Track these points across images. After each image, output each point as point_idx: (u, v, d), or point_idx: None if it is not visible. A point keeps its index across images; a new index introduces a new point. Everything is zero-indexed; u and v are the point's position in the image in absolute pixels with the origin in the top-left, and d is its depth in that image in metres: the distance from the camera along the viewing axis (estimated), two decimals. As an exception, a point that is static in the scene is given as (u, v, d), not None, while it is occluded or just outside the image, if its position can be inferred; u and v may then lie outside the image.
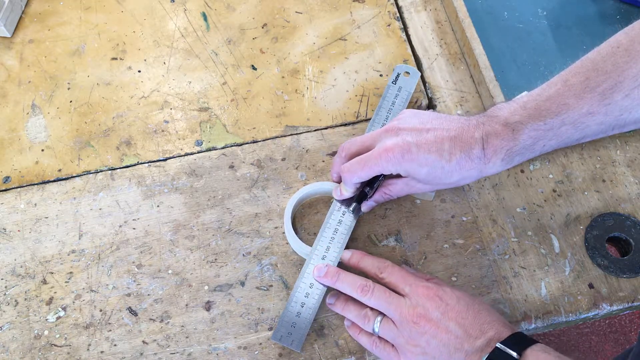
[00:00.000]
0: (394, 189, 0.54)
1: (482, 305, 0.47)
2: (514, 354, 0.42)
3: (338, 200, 0.56)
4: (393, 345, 0.49)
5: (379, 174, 0.52)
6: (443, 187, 0.52)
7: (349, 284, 0.51)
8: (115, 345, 0.53)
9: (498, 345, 0.43)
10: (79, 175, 0.61)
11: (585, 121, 0.45)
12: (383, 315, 0.49)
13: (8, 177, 0.61)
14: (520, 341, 0.43)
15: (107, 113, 0.65)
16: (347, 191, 0.54)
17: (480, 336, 0.44)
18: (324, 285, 0.53)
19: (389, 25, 0.70)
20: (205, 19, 0.71)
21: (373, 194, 0.55)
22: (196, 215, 0.58)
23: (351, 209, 0.55)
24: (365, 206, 0.55)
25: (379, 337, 0.49)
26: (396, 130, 0.50)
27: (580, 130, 0.46)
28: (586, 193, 0.59)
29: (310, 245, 0.55)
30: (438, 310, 0.46)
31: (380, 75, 0.66)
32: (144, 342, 0.53)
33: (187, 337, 0.53)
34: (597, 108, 0.45)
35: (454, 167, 0.48)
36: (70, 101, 0.65)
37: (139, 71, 0.67)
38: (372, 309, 0.50)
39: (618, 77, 0.44)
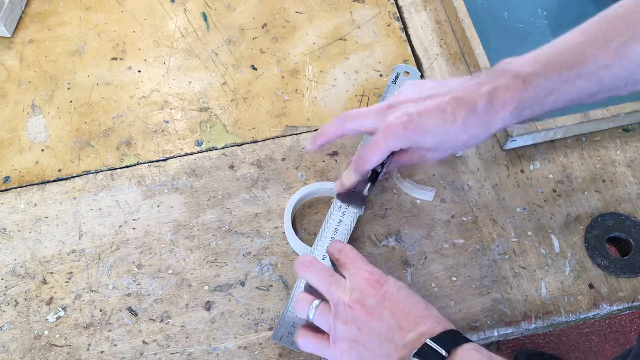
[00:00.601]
0: (404, 157, 0.53)
1: (421, 299, 0.46)
2: (442, 351, 0.41)
3: (340, 196, 0.56)
4: (325, 335, 0.47)
5: (390, 151, 0.50)
6: (452, 150, 0.51)
7: (297, 262, 0.49)
8: (115, 345, 0.53)
9: (427, 341, 0.41)
10: (79, 175, 0.61)
11: (601, 74, 0.44)
12: (321, 300, 0.47)
13: (8, 177, 0.61)
14: (451, 339, 0.42)
15: (107, 113, 0.65)
16: (350, 179, 0.53)
17: (413, 329, 0.43)
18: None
19: (389, 25, 0.70)
20: (205, 19, 0.71)
21: (384, 171, 0.54)
22: (196, 215, 0.58)
23: (366, 192, 0.54)
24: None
25: (310, 327, 0.48)
26: (397, 105, 0.49)
27: (595, 84, 0.45)
28: (586, 193, 0.59)
29: (310, 245, 0.55)
30: (375, 297, 0.45)
31: (380, 75, 0.66)
32: (144, 342, 0.53)
33: (187, 337, 0.53)
34: (613, 61, 0.44)
35: (460, 127, 0.46)
36: (70, 101, 0.65)
37: (139, 71, 0.67)
38: (311, 294, 0.48)
39: (636, 30, 0.43)
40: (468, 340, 0.42)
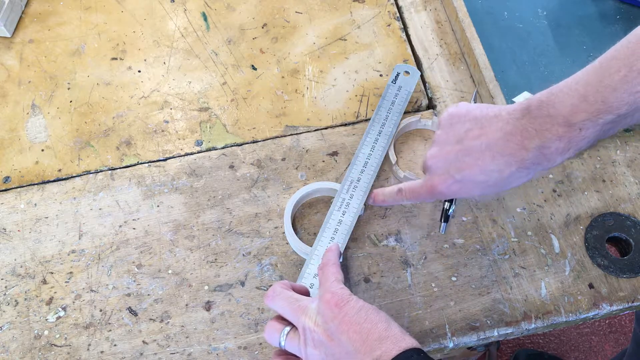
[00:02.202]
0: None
1: (382, 319, 0.45)
2: None
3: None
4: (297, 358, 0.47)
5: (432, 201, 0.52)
6: (507, 189, 0.49)
7: (269, 293, 0.49)
8: (115, 345, 0.53)
9: None
10: (79, 175, 0.61)
11: None
12: (291, 327, 0.47)
13: (8, 177, 0.61)
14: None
15: (107, 113, 0.65)
16: (387, 203, 0.56)
17: (368, 354, 0.42)
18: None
19: (389, 25, 0.70)
20: (205, 19, 0.71)
21: (453, 210, 0.56)
22: (196, 215, 0.58)
23: (442, 230, 0.55)
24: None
25: (284, 352, 0.48)
26: (436, 161, 0.49)
27: None
28: (586, 193, 0.59)
29: (310, 245, 0.55)
30: (334, 322, 0.44)
31: (380, 75, 0.66)
32: (144, 342, 0.53)
33: (187, 337, 0.53)
34: None
35: (507, 179, 0.45)
36: (70, 101, 0.65)
37: (139, 71, 0.67)
38: (281, 321, 0.48)
39: None
40: (428, 358, 0.42)
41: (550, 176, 0.60)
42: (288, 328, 0.47)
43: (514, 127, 0.44)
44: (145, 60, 0.68)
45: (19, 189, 0.60)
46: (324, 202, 0.59)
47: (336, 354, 0.44)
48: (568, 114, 0.41)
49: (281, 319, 0.48)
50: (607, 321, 1.35)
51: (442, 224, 0.55)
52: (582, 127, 0.41)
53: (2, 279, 0.56)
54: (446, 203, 0.55)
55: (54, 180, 0.61)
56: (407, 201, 0.53)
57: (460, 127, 0.48)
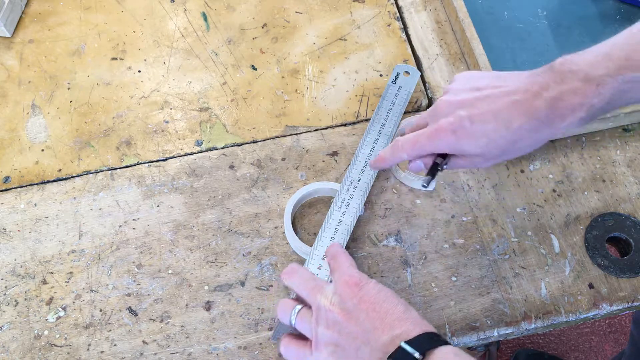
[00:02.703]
0: (456, 163, 0.49)
1: (401, 302, 0.44)
2: (416, 353, 0.39)
3: (373, 166, 0.54)
4: (308, 342, 0.46)
5: (432, 152, 0.48)
6: (512, 156, 0.47)
7: (283, 270, 0.49)
8: (115, 345, 0.53)
9: (401, 344, 0.40)
10: (79, 175, 0.61)
11: None
12: (303, 305, 0.47)
13: (8, 177, 0.61)
14: (427, 341, 0.41)
15: (107, 113, 0.65)
16: (387, 162, 0.51)
17: (387, 332, 0.42)
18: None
19: (389, 25, 0.70)
20: (205, 19, 0.71)
21: (444, 166, 0.50)
22: (196, 215, 0.58)
23: (424, 183, 0.50)
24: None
25: (294, 336, 0.47)
26: (448, 105, 0.46)
27: None
28: (586, 193, 0.59)
29: (310, 245, 0.55)
30: (352, 300, 0.44)
31: (380, 75, 0.66)
32: (144, 342, 0.53)
33: (187, 337, 0.53)
34: None
35: (516, 134, 0.43)
36: (70, 101, 0.65)
37: (139, 71, 0.67)
38: (295, 300, 0.48)
39: None
40: (447, 343, 0.41)
41: (550, 176, 0.60)
42: (300, 306, 0.46)
43: (534, 80, 0.43)
44: (145, 60, 0.68)
45: (19, 189, 0.60)
46: (324, 202, 0.59)
47: (352, 332, 0.43)
48: (588, 69, 0.41)
49: (295, 299, 0.47)
50: (607, 321, 1.35)
51: (429, 178, 0.50)
52: (599, 83, 0.41)
53: (2, 279, 0.56)
54: (439, 158, 0.49)
55: (54, 180, 0.61)
56: (406, 155, 0.49)
57: (478, 80, 0.47)
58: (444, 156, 0.49)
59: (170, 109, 0.65)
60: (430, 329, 0.42)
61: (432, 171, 0.49)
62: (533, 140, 0.44)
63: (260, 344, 0.52)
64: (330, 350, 0.43)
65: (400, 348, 0.40)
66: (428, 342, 0.40)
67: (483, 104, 0.44)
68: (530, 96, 0.43)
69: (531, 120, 0.43)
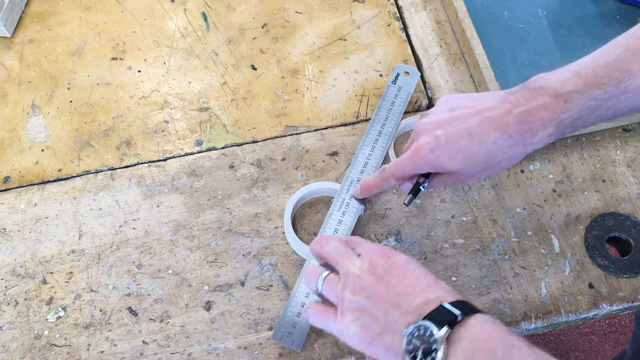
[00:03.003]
0: (439, 181, 0.51)
1: (429, 272, 0.44)
2: (457, 311, 0.39)
3: (357, 200, 0.55)
4: (333, 307, 0.45)
5: (415, 174, 0.50)
6: (494, 171, 0.48)
7: (312, 243, 0.49)
8: (115, 345, 0.53)
9: (443, 304, 0.40)
10: (79, 175, 0.61)
11: None
12: (330, 271, 0.47)
13: (8, 177, 0.61)
14: (464, 307, 0.40)
15: (107, 113, 0.65)
16: (375, 189, 0.52)
17: (420, 296, 0.41)
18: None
19: (389, 25, 0.70)
20: (205, 19, 0.71)
21: (425, 184, 0.52)
22: (196, 215, 0.58)
23: (407, 201, 0.52)
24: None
25: (321, 303, 0.47)
26: (426, 126, 0.49)
27: None
28: (586, 193, 0.59)
29: (310, 245, 0.55)
30: (383, 267, 0.44)
31: (380, 75, 0.66)
32: (144, 342, 0.53)
33: (187, 337, 0.53)
34: None
35: (491, 148, 0.45)
36: (70, 101, 0.65)
37: (139, 71, 0.67)
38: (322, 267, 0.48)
39: None
40: (483, 312, 0.41)
41: (550, 176, 0.60)
42: (327, 272, 0.46)
43: (506, 98, 0.45)
44: (145, 60, 0.68)
45: (19, 189, 0.60)
46: (324, 202, 0.59)
47: (382, 297, 0.42)
48: (558, 85, 0.43)
49: (323, 266, 0.47)
50: (607, 321, 1.35)
51: (410, 195, 0.52)
52: (567, 99, 0.43)
53: (2, 279, 0.56)
54: (422, 178, 0.51)
55: (54, 180, 0.61)
56: (393, 180, 0.51)
57: (455, 101, 0.49)
58: (427, 175, 0.51)
59: (170, 109, 0.65)
60: (462, 298, 0.42)
61: (414, 190, 0.51)
62: (508, 155, 0.46)
63: (260, 344, 0.52)
64: (355, 316, 0.43)
65: (439, 307, 0.40)
66: (465, 307, 0.40)
67: (457, 122, 0.46)
68: (501, 113, 0.44)
69: (503, 135, 0.44)
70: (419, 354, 0.38)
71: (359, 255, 0.46)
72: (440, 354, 0.37)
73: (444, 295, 0.41)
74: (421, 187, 0.51)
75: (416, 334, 0.39)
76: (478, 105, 0.47)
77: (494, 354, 0.36)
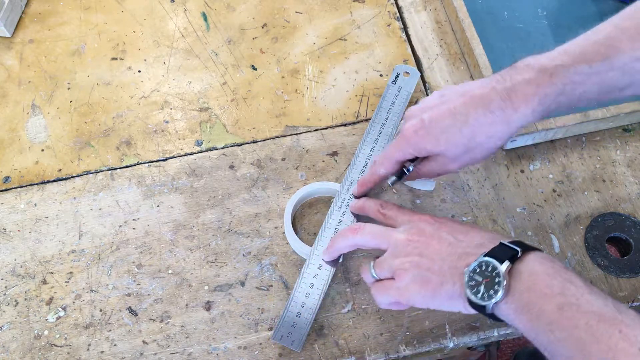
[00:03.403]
0: (425, 167, 0.51)
1: (479, 227, 0.46)
2: (517, 248, 0.40)
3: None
4: (392, 279, 0.46)
5: (403, 159, 0.50)
6: (474, 157, 0.48)
7: (343, 235, 0.50)
8: (115, 345, 0.53)
9: (502, 241, 0.41)
10: (79, 175, 0.61)
11: (636, 66, 0.43)
12: (374, 260, 0.48)
13: (8, 177, 0.61)
14: (522, 245, 0.41)
15: (107, 113, 0.65)
16: (368, 182, 0.53)
17: (474, 241, 0.43)
18: (331, 261, 0.53)
19: (389, 25, 0.70)
20: (205, 19, 0.71)
21: (412, 171, 0.52)
22: (196, 215, 0.58)
23: (390, 182, 0.53)
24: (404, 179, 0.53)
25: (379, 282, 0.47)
26: (414, 111, 0.50)
27: (627, 77, 0.43)
28: (586, 193, 0.59)
29: (310, 245, 0.55)
30: (432, 226, 0.45)
31: (380, 75, 0.66)
32: (144, 342, 0.53)
33: (187, 337, 0.53)
34: None
35: (473, 128, 0.45)
36: (70, 101, 0.65)
37: (139, 71, 0.67)
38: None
39: None
40: (540, 249, 0.42)
41: (550, 176, 0.60)
42: (372, 262, 0.47)
43: (492, 77, 0.46)
44: (145, 60, 0.68)
45: (19, 189, 0.60)
46: (324, 202, 0.59)
47: (436, 248, 0.44)
48: (545, 62, 0.44)
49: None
50: (607, 321, 1.34)
51: (393, 177, 0.52)
52: (553, 73, 0.43)
53: (2, 279, 0.56)
54: (408, 162, 0.51)
55: (54, 180, 0.61)
56: (383, 169, 0.52)
57: (447, 89, 0.50)
58: (414, 161, 0.51)
59: (170, 109, 0.65)
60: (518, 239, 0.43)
61: (399, 174, 0.52)
62: (489, 134, 0.46)
63: (260, 344, 0.52)
64: (412, 275, 0.44)
65: (499, 245, 0.41)
66: (523, 245, 0.41)
67: (442, 106, 0.47)
68: (485, 91, 0.45)
69: (485, 112, 0.45)
70: (482, 289, 0.40)
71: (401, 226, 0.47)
72: (502, 288, 0.39)
73: (499, 236, 0.43)
74: (406, 171, 0.51)
75: (478, 270, 0.40)
76: (466, 87, 0.47)
77: (551, 287, 0.38)
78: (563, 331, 0.36)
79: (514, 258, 0.40)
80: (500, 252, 0.40)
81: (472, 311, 0.41)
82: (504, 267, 0.39)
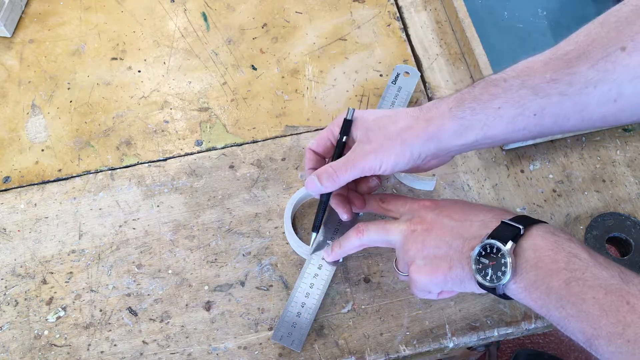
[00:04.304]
0: (363, 185, 0.54)
1: (480, 204, 0.46)
2: (519, 225, 0.41)
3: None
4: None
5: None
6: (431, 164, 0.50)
7: (348, 237, 0.50)
8: (115, 345, 0.53)
9: (504, 220, 0.42)
10: (79, 175, 0.61)
11: (547, 89, 0.43)
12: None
13: (8, 177, 0.61)
14: (523, 220, 0.42)
15: (107, 113, 0.65)
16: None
17: (477, 221, 0.44)
18: (335, 261, 0.54)
19: (389, 25, 0.70)
20: (205, 19, 0.71)
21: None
22: (196, 215, 0.58)
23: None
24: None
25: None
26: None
27: (541, 98, 0.43)
28: (586, 193, 0.59)
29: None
30: (434, 212, 0.46)
31: (380, 75, 0.66)
32: (144, 342, 0.53)
33: (187, 337, 0.53)
34: (561, 75, 0.42)
35: (403, 135, 0.47)
36: (70, 101, 0.65)
37: (139, 71, 0.67)
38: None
39: (587, 47, 0.43)
40: (543, 222, 0.42)
41: (550, 176, 0.60)
42: (394, 262, 0.49)
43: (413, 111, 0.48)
44: (145, 60, 0.68)
45: (19, 189, 0.60)
46: (324, 202, 0.59)
47: (439, 235, 0.44)
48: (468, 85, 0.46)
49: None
50: (607, 321, 1.34)
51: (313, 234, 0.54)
52: (476, 85, 0.45)
53: (2, 279, 0.56)
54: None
55: (54, 180, 0.61)
56: (329, 185, 0.50)
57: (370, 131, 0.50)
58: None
59: (170, 109, 0.65)
60: (521, 214, 0.44)
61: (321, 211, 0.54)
62: (415, 141, 0.46)
63: (260, 344, 0.52)
64: (421, 264, 0.44)
65: (501, 225, 0.42)
66: (525, 220, 0.42)
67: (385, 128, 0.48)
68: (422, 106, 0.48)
69: (415, 118, 0.47)
70: (489, 271, 0.40)
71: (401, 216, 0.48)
72: (509, 269, 0.39)
73: (500, 214, 0.44)
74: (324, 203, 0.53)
75: (483, 253, 0.41)
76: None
77: (557, 263, 0.38)
78: (573, 307, 0.37)
79: (517, 236, 0.40)
80: (503, 232, 0.41)
81: (484, 292, 0.42)
82: (508, 247, 0.40)
